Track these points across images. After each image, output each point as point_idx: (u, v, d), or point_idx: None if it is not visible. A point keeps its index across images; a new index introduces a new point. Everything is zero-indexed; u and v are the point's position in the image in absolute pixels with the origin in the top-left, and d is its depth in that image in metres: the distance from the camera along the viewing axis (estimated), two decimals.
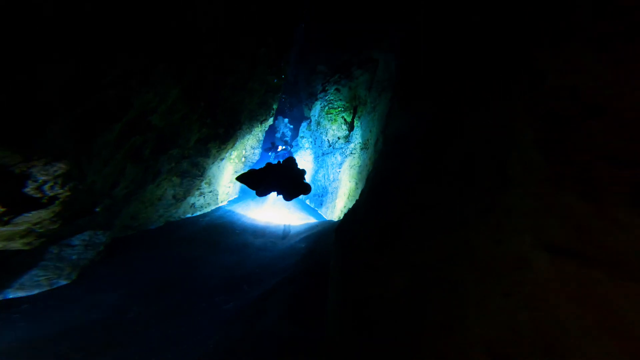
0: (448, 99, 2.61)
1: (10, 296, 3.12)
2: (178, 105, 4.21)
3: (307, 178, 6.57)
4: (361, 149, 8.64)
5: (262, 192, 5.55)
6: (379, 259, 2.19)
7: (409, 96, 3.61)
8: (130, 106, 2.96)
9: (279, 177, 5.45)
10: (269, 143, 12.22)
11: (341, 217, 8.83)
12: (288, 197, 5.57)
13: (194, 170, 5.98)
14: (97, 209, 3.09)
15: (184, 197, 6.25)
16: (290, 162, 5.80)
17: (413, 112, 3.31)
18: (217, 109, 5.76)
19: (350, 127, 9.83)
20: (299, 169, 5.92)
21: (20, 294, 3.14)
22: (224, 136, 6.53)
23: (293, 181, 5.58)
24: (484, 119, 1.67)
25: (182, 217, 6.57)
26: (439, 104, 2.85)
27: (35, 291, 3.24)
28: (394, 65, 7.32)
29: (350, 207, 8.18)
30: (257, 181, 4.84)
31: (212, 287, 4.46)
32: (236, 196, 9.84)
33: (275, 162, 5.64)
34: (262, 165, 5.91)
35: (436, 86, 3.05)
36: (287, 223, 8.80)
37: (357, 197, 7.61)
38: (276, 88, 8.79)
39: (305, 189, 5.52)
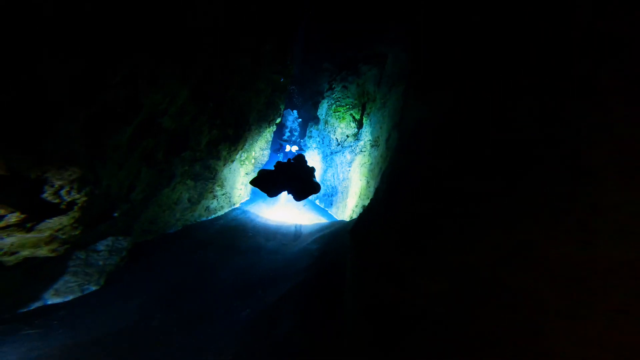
0: (477, 85, 2.41)
1: (49, 302, 3.28)
2: (187, 106, 4.12)
3: (316, 178, 6.45)
4: (371, 146, 8.44)
5: (273, 192, 5.44)
6: (404, 260, 2.00)
7: (425, 86, 3.42)
8: (140, 108, 2.87)
9: (289, 176, 5.33)
10: (278, 144, 12.12)
11: (353, 217, 8.65)
12: (298, 198, 5.48)
13: (206, 172, 5.90)
14: (116, 214, 3.03)
15: (199, 201, 6.18)
16: (300, 159, 5.67)
17: (432, 103, 3.12)
18: (225, 110, 5.67)
19: (359, 125, 9.64)
20: (308, 166, 5.78)
21: (57, 300, 3.30)
22: (234, 137, 6.44)
23: (303, 179, 5.46)
24: (536, 105, 1.46)
25: (198, 220, 6.51)
26: (464, 92, 2.65)
27: (70, 297, 3.37)
28: (405, 57, 7.11)
29: (363, 206, 7.99)
30: (270, 183, 4.73)
31: (228, 293, 4.38)
32: (248, 198, 9.77)
33: (285, 160, 5.54)
34: (272, 165, 5.81)
35: (459, 73, 2.85)
36: (298, 224, 8.67)
37: (370, 196, 7.42)
38: (283, 87, 8.68)
39: (315, 187, 5.43)
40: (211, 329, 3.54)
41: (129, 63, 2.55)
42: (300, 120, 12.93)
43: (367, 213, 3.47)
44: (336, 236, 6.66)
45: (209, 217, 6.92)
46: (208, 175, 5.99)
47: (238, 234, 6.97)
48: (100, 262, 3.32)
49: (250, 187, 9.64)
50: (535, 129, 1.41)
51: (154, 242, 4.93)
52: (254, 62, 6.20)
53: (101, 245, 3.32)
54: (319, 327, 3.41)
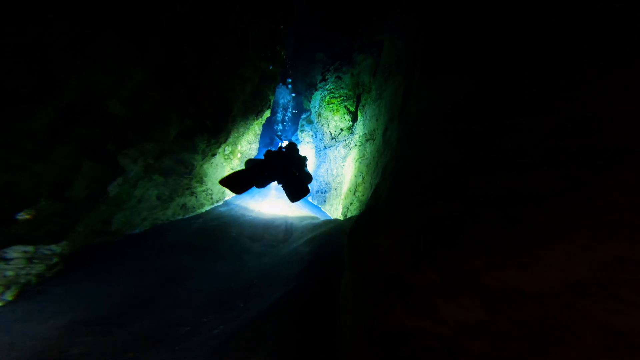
0: (504, 66, 1.77)
1: None
2: (147, 91, 3.43)
3: (310, 170, 5.84)
4: (366, 140, 7.79)
5: (262, 183, 4.82)
6: (419, 275, 1.41)
7: (437, 69, 2.76)
8: (64, 86, 2.18)
9: (279, 168, 4.70)
10: (268, 138, 11.43)
11: (348, 215, 8.04)
12: (291, 196, 4.78)
13: (180, 167, 5.23)
14: (22, 215, 2.37)
15: (172, 198, 5.52)
16: (292, 148, 5.04)
17: (446, 87, 2.46)
18: (202, 98, 4.97)
19: (354, 118, 8.96)
20: (300, 155, 5.17)
21: None
22: (214, 129, 5.75)
23: (295, 171, 4.82)
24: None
25: (172, 219, 5.86)
26: (486, 74, 2.01)
27: None
28: (403, 44, 6.41)
29: (360, 202, 7.38)
30: (245, 182, 4.11)
31: (199, 305, 3.71)
32: (234, 195, 9.10)
33: (276, 149, 4.90)
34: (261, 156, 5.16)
35: (479, 53, 2.19)
36: (289, 222, 8.05)
37: (367, 193, 6.79)
38: (272, 76, 7.96)
39: (307, 177, 4.75)
40: (167, 354, 2.90)
41: (34, 31, 1.88)
42: (294, 94, 11.91)
43: (368, 214, 2.83)
44: (331, 238, 6.03)
45: (186, 216, 6.27)
46: (182, 170, 5.32)
47: (220, 234, 6.33)
48: (10, 273, 2.66)
49: None
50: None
51: (112, 245, 4.25)
52: (239, 45, 5.48)
53: (13, 252, 2.64)
54: (313, 351, 2.78)
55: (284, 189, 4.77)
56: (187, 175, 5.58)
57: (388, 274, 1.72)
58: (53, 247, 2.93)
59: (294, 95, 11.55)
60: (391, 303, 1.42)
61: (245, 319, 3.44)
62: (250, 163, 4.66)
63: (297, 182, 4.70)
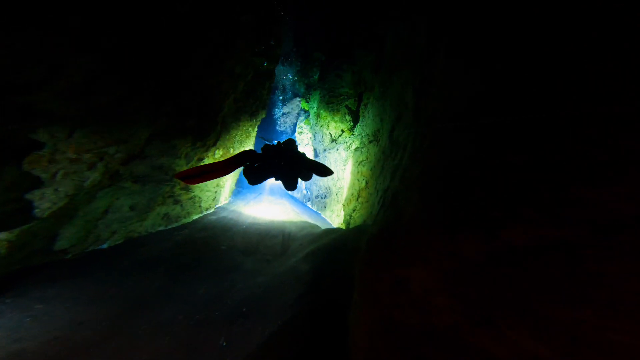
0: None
1: None
2: (103, 84, 2.69)
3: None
4: (369, 141, 7.03)
5: (255, 179, 4.17)
6: (493, 335, 0.66)
7: (474, 52, 2.00)
8: None
9: (277, 161, 4.13)
10: (263, 142, 10.70)
11: (350, 223, 7.26)
12: (288, 186, 4.24)
13: (158, 173, 4.48)
14: None
15: (150, 207, 4.76)
16: (290, 144, 4.38)
17: (494, 74, 1.70)
18: (181, 94, 4.23)
19: (355, 118, 8.22)
20: (299, 152, 4.52)
21: None
22: (198, 130, 5.01)
23: (291, 165, 4.27)
24: None
25: (151, 230, 5.09)
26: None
27: None
28: (408, 35, 5.67)
29: (364, 211, 6.59)
30: (253, 168, 3.65)
31: (163, 350, 2.85)
32: (227, 201, 8.34)
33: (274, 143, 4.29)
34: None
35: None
36: (286, 231, 7.26)
37: (371, 199, 6.00)
38: (267, 74, 7.24)
39: (305, 175, 4.22)
40: None
41: None
42: (295, 78, 11.02)
43: (386, 233, 2.05)
44: (333, 252, 5.21)
45: (169, 227, 5.50)
46: (162, 177, 4.57)
47: (207, 247, 5.55)
48: None
49: (230, 188, 8.22)
50: None
51: (69, 263, 3.48)
52: (225, 34, 4.75)
53: None
54: None
55: (280, 179, 4.25)
56: (168, 182, 4.83)
57: (431, 325, 1.00)
58: None
59: (294, 79, 10.76)
60: None
61: None
62: (248, 153, 4.10)
63: (293, 173, 4.22)
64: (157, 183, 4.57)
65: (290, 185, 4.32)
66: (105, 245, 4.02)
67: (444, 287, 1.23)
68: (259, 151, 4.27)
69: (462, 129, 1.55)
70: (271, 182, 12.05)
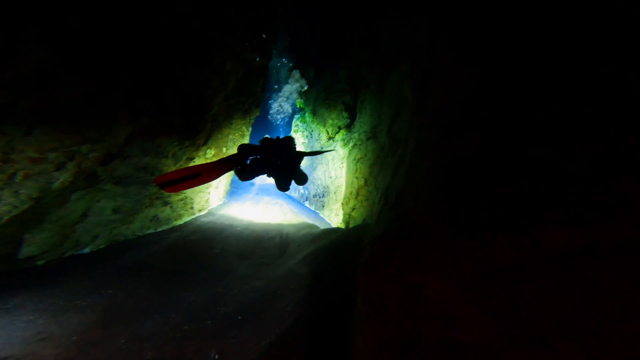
0: None
1: None
2: (63, 77, 2.43)
3: (306, 173, 5.19)
4: (367, 138, 6.77)
5: (247, 174, 3.96)
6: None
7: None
8: None
9: (274, 158, 3.95)
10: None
11: (350, 222, 6.99)
12: (281, 185, 4.07)
13: (143, 174, 4.23)
14: None
15: (136, 210, 4.51)
16: (291, 142, 4.15)
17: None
18: (164, 91, 3.98)
19: (352, 114, 7.95)
20: (299, 151, 4.28)
21: None
22: (185, 129, 4.75)
23: (290, 165, 4.10)
24: None
25: (139, 234, 4.84)
26: None
27: None
28: (406, 33, 5.40)
29: (364, 209, 6.31)
30: (247, 161, 3.52)
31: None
32: (221, 202, 8.08)
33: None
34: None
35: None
36: (284, 232, 6.99)
37: (370, 197, 5.74)
38: (260, 71, 6.97)
39: (302, 177, 4.07)
40: None
41: None
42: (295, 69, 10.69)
43: (394, 234, 1.79)
44: (334, 253, 4.93)
45: (158, 230, 5.25)
46: (147, 178, 4.32)
47: (199, 250, 5.29)
48: None
49: (224, 188, 7.97)
50: None
51: (37, 270, 3.21)
52: (210, 26, 4.49)
53: None
54: None
55: (273, 177, 4.03)
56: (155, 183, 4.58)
57: (456, 341, 0.75)
58: None
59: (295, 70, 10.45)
60: None
61: None
62: (243, 148, 3.90)
63: (289, 173, 4.04)
64: (142, 184, 4.32)
65: (283, 185, 4.07)
66: (86, 250, 3.77)
67: (470, 297, 1.00)
68: (257, 143, 4.05)
69: (476, 121, 1.30)
70: (269, 181, 11.79)
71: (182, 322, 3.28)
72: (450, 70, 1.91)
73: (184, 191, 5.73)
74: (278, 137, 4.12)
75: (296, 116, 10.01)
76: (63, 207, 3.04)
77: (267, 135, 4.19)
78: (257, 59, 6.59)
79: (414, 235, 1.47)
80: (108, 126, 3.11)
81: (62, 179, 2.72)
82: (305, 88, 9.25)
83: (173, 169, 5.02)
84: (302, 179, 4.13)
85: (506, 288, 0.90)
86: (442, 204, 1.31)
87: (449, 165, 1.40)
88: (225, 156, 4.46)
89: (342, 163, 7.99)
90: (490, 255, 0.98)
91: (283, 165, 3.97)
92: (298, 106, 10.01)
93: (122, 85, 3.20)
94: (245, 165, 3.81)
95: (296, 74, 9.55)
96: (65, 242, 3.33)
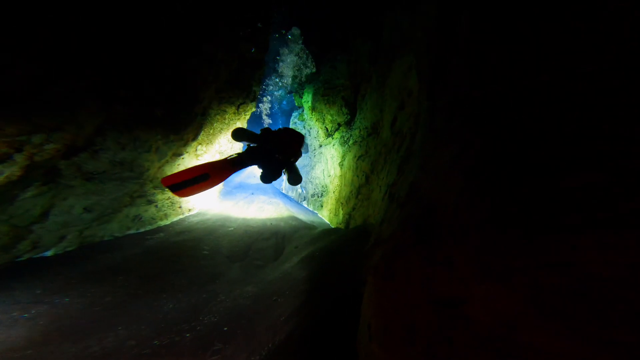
0: None
1: None
2: (21, 59, 1.99)
3: (304, 176, 4.75)
4: (368, 134, 6.29)
5: (238, 165, 3.61)
6: None
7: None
8: None
9: (272, 152, 3.57)
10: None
11: (351, 223, 6.52)
12: (266, 178, 3.70)
13: (120, 170, 3.78)
14: None
15: (114, 209, 4.07)
16: (296, 138, 3.77)
17: None
18: (143, 78, 3.52)
19: (352, 110, 7.48)
20: (299, 151, 3.88)
21: None
22: (170, 122, 4.30)
23: (286, 163, 3.72)
24: None
25: (118, 234, 4.40)
26: None
27: None
28: (409, 22, 4.92)
29: (365, 209, 5.84)
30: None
31: None
32: (212, 201, 7.63)
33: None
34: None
35: None
36: (280, 232, 6.54)
37: (372, 196, 5.27)
38: (256, 62, 6.51)
39: (297, 177, 3.69)
40: None
41: None
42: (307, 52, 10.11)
43: (408, 235, 1.34)
44: (333, 255, 4.45)
45: (140, 230, 4.81)
46: (126, 174, 3.88)
47: (185, 252, 4.84)
48: None
49: (218, 185, 7.53)
50: None
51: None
52: (196, 9, 4.04)
53: None
54: None
55: (261, 169, 3.67)
56: (136, 179, 4.14)
57: None
58: None
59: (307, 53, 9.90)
60: None
61: None
62: (240, 132, 3.51)
63: (277, 168, 3.60)
64: (121, 181, 3.88)
65: (268, 179, 3.68)
66: (49, 253, 3.33)
67: (545, 320, 0.57)
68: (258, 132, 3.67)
69: (515, 97, 0.84)
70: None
71: (153, 336, 2.81)
72: (480, 43, 1.46)
73: None
74: (279, 129, 3.73)
75: (294, 114, 9.55)
76: (14, 204, 2.61)
77: (268, 127, 3.82)
78: (252, 50, 6.14)
79: (442, 235, 1.04)
80: (68, 114, 2.66)
81: (6, 172, 2.28)
82: (307, 72, 8.74)
83: (157, 164, 4.58)
84: (296, 179, 3.71)
85: (603, 307, 0.48)
86: (481, 196, 0.88)
87: (484, 150, 0.95)
88: (225, 156, 4.16)
89: (341, 162, 7.53)
90: (574, 262, 0.57)
91: (281, 161, 3.57)
92: (297, 104, 9.54)
93: (89, 69, 2.75)
94: (240, 154, 3.46)
95: (296, 31, 9.00)
96: (18, 244, 2.89)
